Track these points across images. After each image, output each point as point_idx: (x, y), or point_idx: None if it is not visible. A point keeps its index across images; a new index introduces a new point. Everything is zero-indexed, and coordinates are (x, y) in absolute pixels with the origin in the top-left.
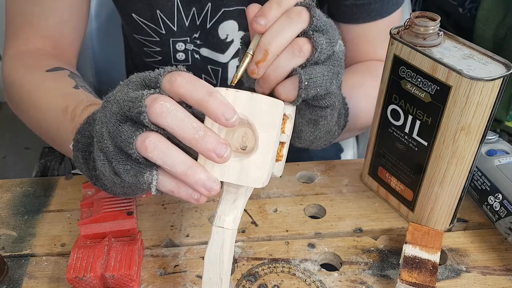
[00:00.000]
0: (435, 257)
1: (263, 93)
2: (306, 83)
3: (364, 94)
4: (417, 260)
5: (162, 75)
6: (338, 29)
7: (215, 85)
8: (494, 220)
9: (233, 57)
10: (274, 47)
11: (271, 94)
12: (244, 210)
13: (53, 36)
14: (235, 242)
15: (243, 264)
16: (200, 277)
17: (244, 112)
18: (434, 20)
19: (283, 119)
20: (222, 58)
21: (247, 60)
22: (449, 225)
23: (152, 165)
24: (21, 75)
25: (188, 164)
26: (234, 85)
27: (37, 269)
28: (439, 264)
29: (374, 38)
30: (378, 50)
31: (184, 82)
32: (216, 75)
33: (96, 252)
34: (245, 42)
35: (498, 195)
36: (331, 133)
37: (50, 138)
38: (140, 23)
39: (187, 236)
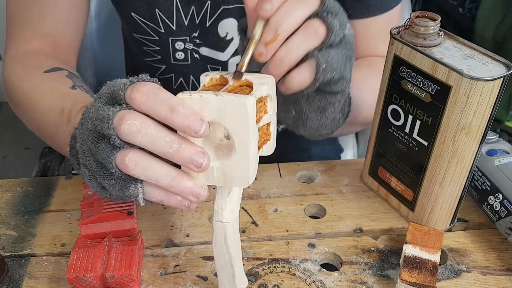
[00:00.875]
0: (435, 257)
1: (274, 77)
2: (324, 66)
3: (367, 89)
4: (417, 260)
5: (123, 90)
6: None
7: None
8: (494, 220)
9: (232, 55)
10: (285, 27)
11: (281, 80)
12: (244, 210)
13: (52, 36)
14: None
15: (243, 264)
16: (200, 277)
17: (214, 117)
18: (434, 20)
19: (262, 100)
20: (222, 56)
21: (253, 43)
22: (449, 225)
23: (136, 179)
24: (20, 76)
25: (172, 176)
26: (243, 71)
27: (37, 269)
28: (439, 264)
29: (374, 34)
30: (378, 46)
31: (144, 99)
32: None
33: (97, 252)
34: (242, 29)
35: (498, 195)
36: (335, 120)
37: (50, 140)
38: (139, 22)
39: (187, 236)
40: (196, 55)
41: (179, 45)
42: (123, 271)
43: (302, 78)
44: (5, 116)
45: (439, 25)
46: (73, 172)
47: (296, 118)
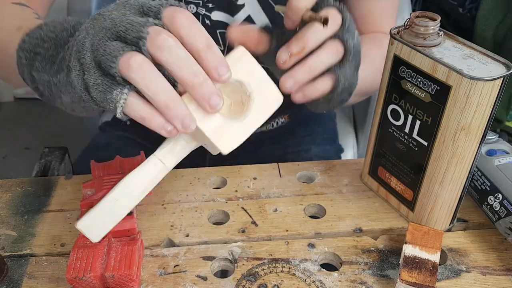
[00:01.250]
0: (435, 257)
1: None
2: (343, 80)
3: (370, 61)
4: (417, 260)
5: (164, 7)
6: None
7: (222, 52)
8: (494, 220)
9: (243, 22)
10: (311, 44)
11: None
12: (244, 210)
13: None
14: (235, 242)
15: (243, 264)
16: (200, 277)
17: (243, 79)
18: (434, 20)
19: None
20: (232, 20)
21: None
22: (449, 225)
23: (124, 85)
24: None
25: (171, 96)
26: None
27: (37, 269)
28: (439, 264)
29: (378, 12)
30: (382, 23)
31: (186, 23)
32: (224, 40)
33: (96, 252)
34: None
35: (498, 195)
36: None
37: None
38: None
39: (187, 236)
40: (207, 21)
41: (192, 8)
42: (122, 271)
43: (324, 88)
44: (5, 116)
45: (439, 25)
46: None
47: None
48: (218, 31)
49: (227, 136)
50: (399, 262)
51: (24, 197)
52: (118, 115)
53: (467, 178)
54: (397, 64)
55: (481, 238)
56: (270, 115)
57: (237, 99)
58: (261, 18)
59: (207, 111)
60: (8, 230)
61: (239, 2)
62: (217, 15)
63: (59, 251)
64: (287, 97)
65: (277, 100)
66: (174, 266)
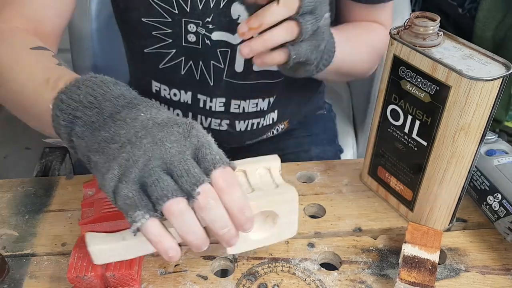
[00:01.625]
0: (435, 257)
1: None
2: (294, 56)
3: (358, 45)
4: (416, 260)
5: (216, 168)
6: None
7: (222, 71)
8: (493, 219)
9: (242, 41)
10: (266, 22)
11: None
12: None
13: (35, 19)
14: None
15: (243, 264)
16: (200, 276)
17: (280, 212)
18: (434, 20)
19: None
20: (232, 39)
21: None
22: (448, 225)
23: (148, 209)
24: (3, 51)
25: (198, 237)
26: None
27: (38, 268)
28: (438, 264)
29: (377, 14)
30: (377, 17)
31: (227, 190)
32: (224, 58)
33: None
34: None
35: (497, 195)
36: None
37: (26, 112)
38: (153, 3)
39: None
40: (208, 41)
41: (192, 27)
42: (123, 271)
43: (277, 59)
44: (5, 116)
45: (438, 25)
46: (45, 140)
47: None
48: (218, 50)
49: (238, 244)
50: (399, 262)
51: (25, 197)
52: (131, 231)
53: (466, 178)
54: (397, 64)
55: (480, 238)
56: (276, 242)
57: (264, 213)
58: None
59: (226, 246)
60: (9, 230)
61: (240, 21)
62: (218, 35)
63: (60, 251)
64: (287, 103)
65: (291, 234)
66: (175, 266)
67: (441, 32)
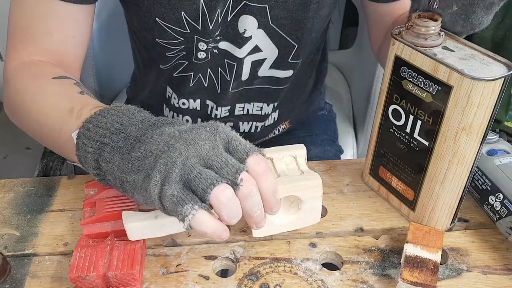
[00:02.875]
0: (436, 257)
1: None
2: None
3: None
4: (418, 260)
5: (249, 156)
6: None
7: (228, 82)
8: (495, 219)
9: (249, 54)
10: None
11: None
12: None
13: (57, 51)
14: (237, 242)
15: (245, 264)
16: (202, 276)
17: (304, 197)
18: (435, 20)
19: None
20: (238, 52)
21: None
22: (450, 225)
23: (196, 201)
24: (26, 82)
25: (238, 217)
26: None
27: (39, 268)
28: (440, 264)
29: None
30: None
31: (263, 176)
32: (231, 70)
33: (99, 251)
34: None
35: (498, 194)
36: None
37: (51, 141)
38: (164, 27)
39: (189, 235)
40: (215, 50)
41: (202, 45)
42: (125, 271)
43: None
44: (5, 116)
45: (440, 25)
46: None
47: (459, 13)
48: (225, 60)
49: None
50: (400, 262)
51: (27, 197)
52: (184, 227)
53: (468, 178)
54: (398, 64)
55: (482, 238)
56: (300, 227)
57: (289, 199)
58: (268, 45)
59: (255, 228)
60: (11, 229)
61: (246, 35)
62: (224, 45)
63: (61, 251)
64: (289, 105)
65: (315, 221)
66: (176, 266)
67: (443, 32)
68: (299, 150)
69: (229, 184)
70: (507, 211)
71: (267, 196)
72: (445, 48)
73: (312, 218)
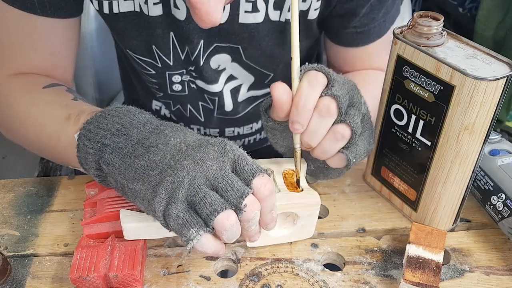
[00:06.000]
0: (439, 257)
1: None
2: (354, 160)
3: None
4: (420, 260)
5: (255, 176)
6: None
7: (212, 111)
8: (497, 220)
9: (225, 83)
10: (314, 142)
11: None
12: None
13: (46, 67)
14: (238, 242)
15: (246, 264)
16: (203, 277)
17: (302, 215)
18: (437, 20)
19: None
20: (216, 87)
21: (298, 156)
22: (452, 225)
23: (201, 226)
24: (17, 95)
25: (237, 236)
26: (299, 178)
27: (40, 269)
28: (443, 264)
29: (371, 54)
30: (375, 62)
31: (266, 199)
32: (213, 103)
33: (100, 252)
34: (265, 109)
35: (501, 195)
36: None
37: (50, 150)
38: (136, 59)
39: (189, 253)
40: (193, 86)
41: (176, 78)
42: (126, 271)
43: (336, 165)
44: None
45: (442, 24)
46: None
47: (316, 172)
48: (205, 95)
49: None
50: (403, 262)
51: (27, 197)
52: (188, 248)
53: (470, 178)
54: (400, 64)
55: (484, 238)
56: (293, 241)
57: (285, 213)
58: (244, 74)
59: (250, 241)
60: (11, 230)
61: (220, 68)
62: (202, 84)
63: (62, 251)
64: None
65: (308, 236)
66: (178, 266)
67: (445, 32)
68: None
69: (233, 209)
70: (509, 211)
71: (265, 214)
72: (447, 47)
73: (305, 233)
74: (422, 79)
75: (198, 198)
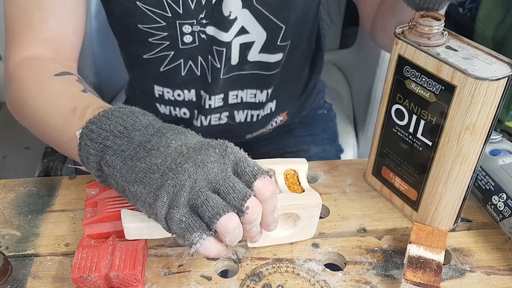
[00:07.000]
0: (440, 257)
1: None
2: None
3: None
4: (421, 260)
5: (256, 178)
6: None
7: (218, 69)
8: (498, 219)
9: (236, 36)
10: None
11: None
12: None
13: (55, 38)
14: (239, 242)
15: (247, 264)
16: (204, 277)
17: (304, 216)
18: (438, 20)
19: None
20: (225, 36)
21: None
22: (453, 225)
23: (204, 229)
24: (28, 79)
25: (240, 238)
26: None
27: (41, 269)
28: (443, 264)
29: None
30: None
31: (268, 200)
32: (220, 57)
33: (101, 252)
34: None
35: (502, 194)
36: None
37: (53, 140)
38: (146, 10)
39: (192, 256)
40: (203, 36)
41: (187, 28)
42: (127, 271)
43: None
44: (5, 116)
45: (443, 24)
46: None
47: None
48: (214, 47)
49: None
50: (404, 262)
51: (28, 197)
52: (191, 252)
53: (471, 178)
54: (402, 64)
55: (485, 238)
56: (294, 241)
57: (287, 214)
58: (255, 27)
59: (251, 241)
60: (12, 230)
61: (231, 17)
62: (212, 30)
63: (63, 251)
64: (285, 94)
65: (309, 236)
66: (178, 266)
67: (446, 32)
68: (301, 165)
69: (235, 212)
70: (510, 211)
71: (266, 215)
72: (448, 47)
73: (307, 234)
74: (423, 79)
75: (200, 201)
